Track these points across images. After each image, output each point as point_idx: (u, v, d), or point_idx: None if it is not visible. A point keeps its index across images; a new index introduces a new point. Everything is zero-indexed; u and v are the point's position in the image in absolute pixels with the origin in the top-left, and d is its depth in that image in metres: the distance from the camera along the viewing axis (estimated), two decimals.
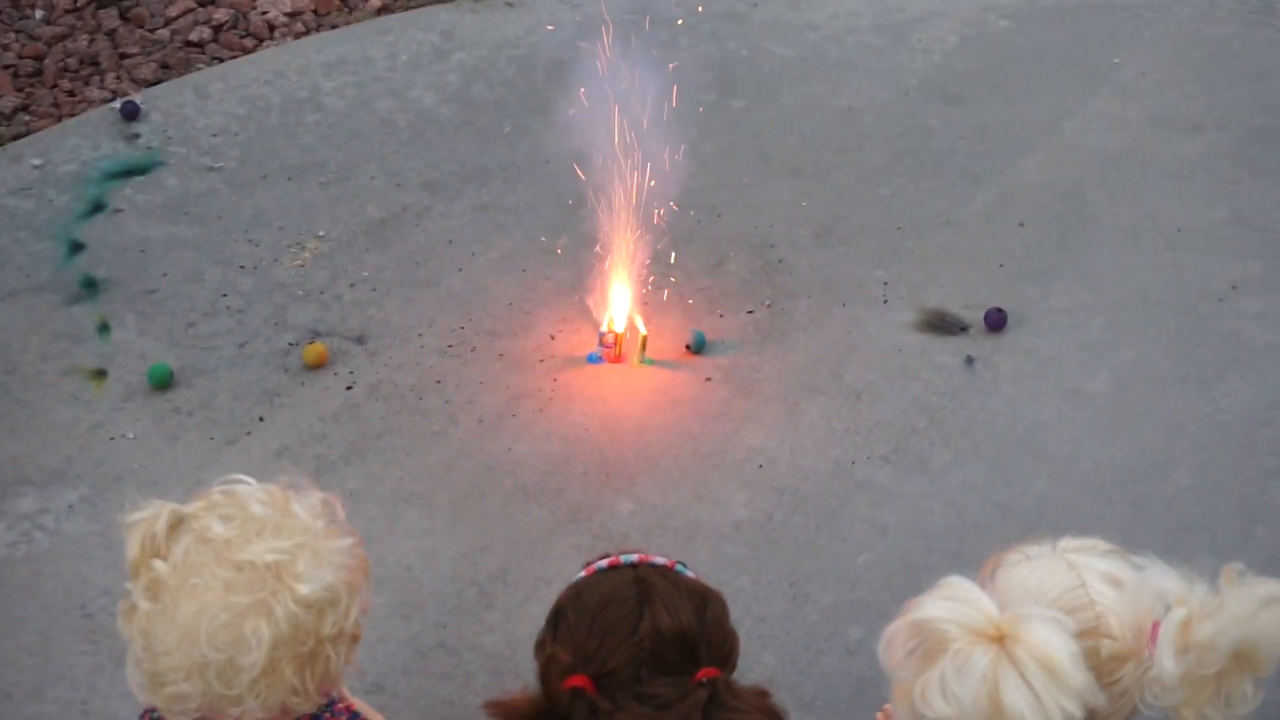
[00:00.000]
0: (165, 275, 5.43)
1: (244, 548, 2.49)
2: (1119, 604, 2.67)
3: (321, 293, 5.39)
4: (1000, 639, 2.33)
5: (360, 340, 5.16)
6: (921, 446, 4.77)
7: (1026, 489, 4.61)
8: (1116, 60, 7.06)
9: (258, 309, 5.29)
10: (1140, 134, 6.48)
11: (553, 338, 5.21)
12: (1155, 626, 2.52)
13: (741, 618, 3.91)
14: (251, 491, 2.61)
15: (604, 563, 2.77)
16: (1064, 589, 2.72)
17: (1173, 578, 2.56)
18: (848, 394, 4.99)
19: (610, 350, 5.11)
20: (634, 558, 2.77)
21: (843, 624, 4.12)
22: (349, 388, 4.95)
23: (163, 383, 4.88)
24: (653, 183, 5.35)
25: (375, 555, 3.32)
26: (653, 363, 5.11)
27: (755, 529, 4.45)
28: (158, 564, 2.49)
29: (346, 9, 7.70)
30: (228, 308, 5.29)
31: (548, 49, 7.07)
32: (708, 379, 5.04)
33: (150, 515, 2.54)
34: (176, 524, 2.54)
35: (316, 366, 5.03)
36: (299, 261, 5.53)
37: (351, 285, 5.44)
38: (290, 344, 5.13)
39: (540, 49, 7.04)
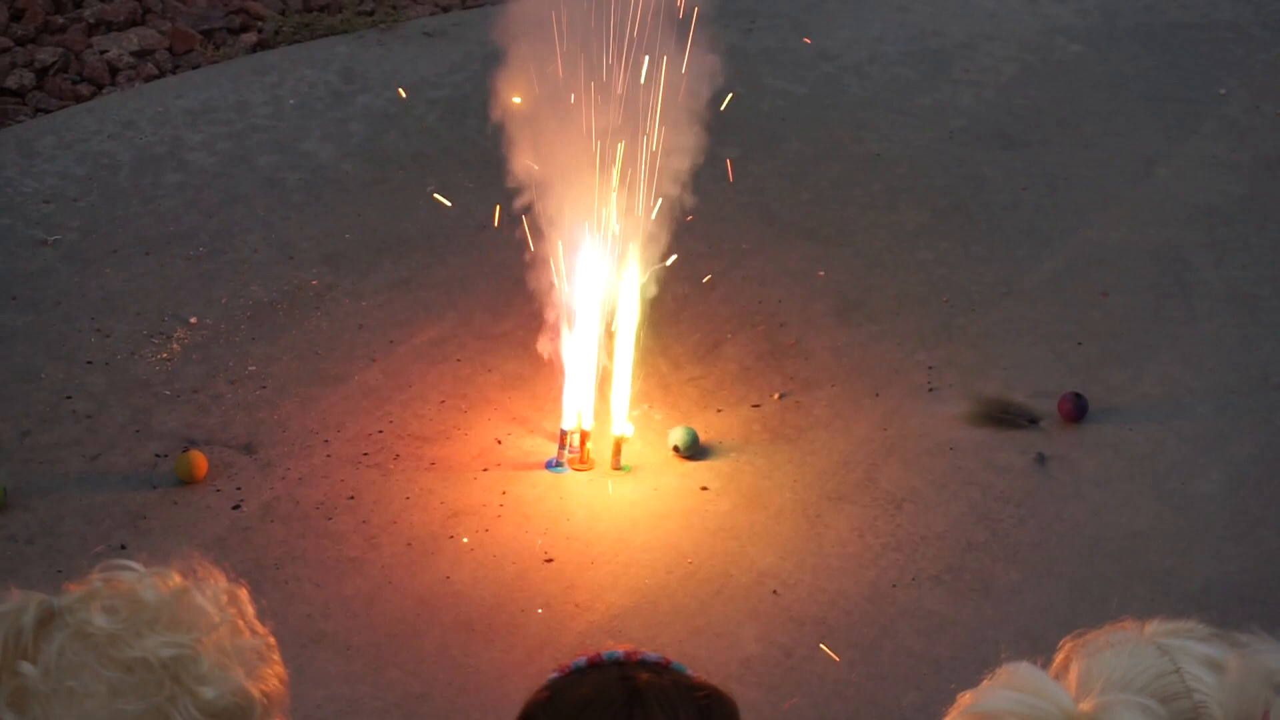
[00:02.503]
0: None
1: (134, 643, 2.78)
2: (1221, 691, 3.09)
3: (195, 392, 5.85)
4: None
5: (248, 449, 5.61)
6: (982, 564, 5.23)
7: (1118, 614, 4.99)
8: (1222, 92, 7.71)
9: (112, 413, 5.74)
10: (1254, 181, 7.10)
11: (499, 442, 5.68)
12: (1265, 716, 2.93)
13: None
14: (140, 577, 2.97)
15: (583, 660, 3.18)
16: (1154, 675, 3.12)
17: None
18: (885, 502, 5.46)
19: (575, 455, 5.56)
20: (619, 654, 3.18)
21: None
22: (236, 507, 5.38)
23: None
24: (627, 250, 5.79)
25: None
26: (631, 469, 5.56)
27: (770, 667, 4.86)
28: (25, 667, 2.81)
29: (211, 45, 8.31)
30: (73, 412, 5.74)
31: (481, 89, 7.63)
32: (704, 488, 5.51)
33: (13, 609, 2.87)
34: (47, 618, 2.84)
35: (192, 481, 5.45)
36: (164, 354, 5.99)
37: (232, 382, 5.91)
38: (157, 455, 5.57)
39: (471, 88, 7.62)
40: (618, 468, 5.59)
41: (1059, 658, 3.45)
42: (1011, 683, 3.03)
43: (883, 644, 4.96)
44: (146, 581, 2.87)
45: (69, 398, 5.80)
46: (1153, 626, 3.45)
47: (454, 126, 7.41)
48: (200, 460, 5.47)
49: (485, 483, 5.51)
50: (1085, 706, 2.89)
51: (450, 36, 8.06)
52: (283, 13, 8.58)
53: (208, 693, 2.58)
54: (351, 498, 5.43)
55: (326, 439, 5.67)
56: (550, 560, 5.23)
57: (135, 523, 5.31)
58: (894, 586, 5.16)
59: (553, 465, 5.59)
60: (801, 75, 7.82)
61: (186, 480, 5.45)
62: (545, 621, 5.01)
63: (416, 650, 4.90)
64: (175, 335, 6.09)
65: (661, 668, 3.25)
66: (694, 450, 5.62)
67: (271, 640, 3.07)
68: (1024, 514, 5.43)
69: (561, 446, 5.59)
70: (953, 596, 5.12)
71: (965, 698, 3.10)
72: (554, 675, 3.29)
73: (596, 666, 3.17)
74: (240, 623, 2.97)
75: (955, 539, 5.33)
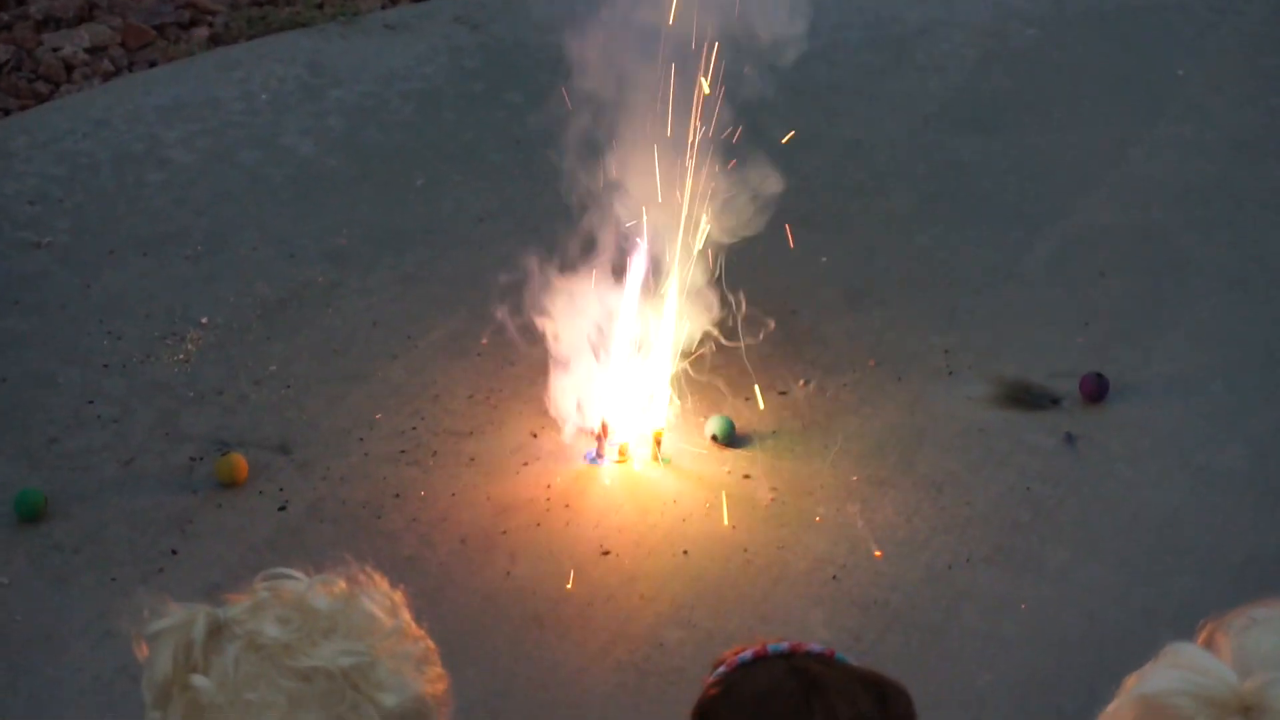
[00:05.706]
0: (3, 380, 5.75)
1: (310, 652, 2.75)
2: None
3: (219, 394, 5.77)
4: (1246, 711, 2.78)
5: (283, 449, 5.54)
6: (1030, 544, 5.31)
7: (1169, 588, 5.15)
8: (1180, 73, 7.87)
9: (138, 417, 5.65)
10: (1226, 161, 7.26)
11: (535, 435, 5.66)
12: None
13: None
14: (307, 585, 2.94)
15: (748, 654, 3.19)
16: None
17: None
18: (926, 485, 5.52)
19: (611, 447, 5.56)
20: (784, 646, 3.20)
21: None
22: (281, 508, 5.32)
23: (33, 513, 5.19)
24: (624, 235, 5.79)
25: None
26: (670, 460, 5.58)
27: (843, 652, 4.87)
28: (198, 680, 2.77)
29: (165, 41, 8.16)
30: (97, 417, 5.63)
31: (453, 81, 7.62)
32: (746, 476, 5.54)
33: (181, 622, 2.83)
34: (216, 630, 2.83)
35: (233, 484, 5.38)
36: (180, 356, 5.90)
37: (256, 383, 5.83)
38: (192, 459, 5.49)
39: (442, 80, 7.57)
40: (658, 459, 5.59)
41: (1201, 637, 3.51)
42: (1178, 662, 3.08)
43: (949, 625, 5.03)
44: (314, 589, 2.84)
45: (91, 402, 5.70)
46: None
47: (432, 118, 7.34)
48: (241, 463, 5.41)
49: (528, 477, 5.50)
50: (1250, 684, 2.94)
51: (413, 29, 7.99)
52: (233, 6, 8.45)
53: (388, 700, 2.63)
54: (397, 495, 5.39)
55: (360, 437, 5.63)
56: (607, 553, 5.23)
57: (182, 527, 5.23)
58: (949, 568, 5.22)
59: (591, 457, 5.58)
60: (768, 63, 7.84)
61: (227, 483, 5.38)
62: (612, 614, 5.01)
63: (489, 647, 4.89)
64: (189, 336, 6.00)
65: (827, 659, 3.27)
66: (731, 438, 5.64)
67: (431, 644, 3.05)
68: (1063, 493, 5.51)
69: (600, 439, 5.58)
70: (1008, 576, 5.20)
71: (1131, 680, 3.14)
72: (722, 669, 3.30)
73: (763, 659, 3.19)
74: (407, 628, 2.97)
75: (1000, 520, 5.40)
